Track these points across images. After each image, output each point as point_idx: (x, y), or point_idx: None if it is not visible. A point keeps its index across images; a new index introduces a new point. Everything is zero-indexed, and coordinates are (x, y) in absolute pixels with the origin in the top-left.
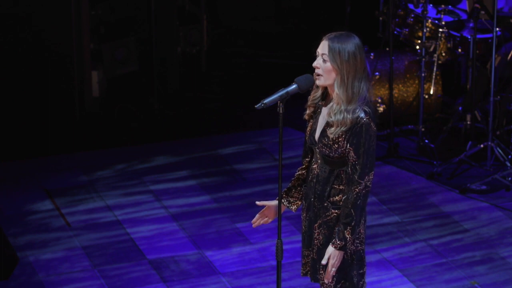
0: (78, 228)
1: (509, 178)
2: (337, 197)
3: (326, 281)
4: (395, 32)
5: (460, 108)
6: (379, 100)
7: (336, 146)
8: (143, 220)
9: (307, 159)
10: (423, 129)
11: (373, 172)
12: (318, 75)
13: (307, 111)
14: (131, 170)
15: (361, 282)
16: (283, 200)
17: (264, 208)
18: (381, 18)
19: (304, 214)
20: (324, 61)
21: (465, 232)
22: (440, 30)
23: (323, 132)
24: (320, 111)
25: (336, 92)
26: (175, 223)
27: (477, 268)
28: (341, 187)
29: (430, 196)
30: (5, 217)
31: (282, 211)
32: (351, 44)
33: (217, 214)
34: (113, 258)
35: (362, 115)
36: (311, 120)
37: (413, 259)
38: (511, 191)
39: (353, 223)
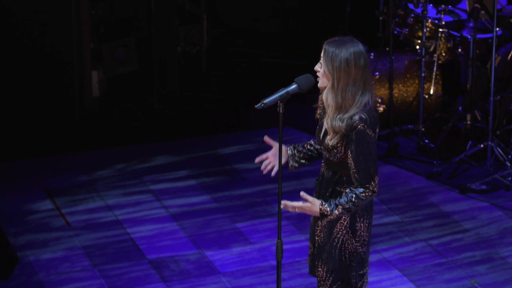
0: (78, 228)
1: (509, 178)
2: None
3: (281, 206)
4: (395, 32)
5: (460, 107)
6: (379, 100)
7: (335, 151)
8: (143, 220)
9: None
10: (423, 129)
11: (377, 177)
12: (318, 77)
13: (318, 111)
14: (131, 170)
15: (361, 282)
16: (288, 149)
17: (270, 153)
18: (381, 18)
19: None
20: (321, 65)
21: (465, 232)
22: (440, 30)
23: (325, 135)
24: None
25: (326, 97)
26: (175, 223)
27: (477, 268)
28: (342, 190)
29: (430, 196)
30: (5, 217)
31: (283, 161)
32: (346, 51)
33: (217, 214)
34: (113, 258)
35: (357, 122)
36: (321, 120)
37: (413, 259)
38: (511, 191)
39: (347, 207)
